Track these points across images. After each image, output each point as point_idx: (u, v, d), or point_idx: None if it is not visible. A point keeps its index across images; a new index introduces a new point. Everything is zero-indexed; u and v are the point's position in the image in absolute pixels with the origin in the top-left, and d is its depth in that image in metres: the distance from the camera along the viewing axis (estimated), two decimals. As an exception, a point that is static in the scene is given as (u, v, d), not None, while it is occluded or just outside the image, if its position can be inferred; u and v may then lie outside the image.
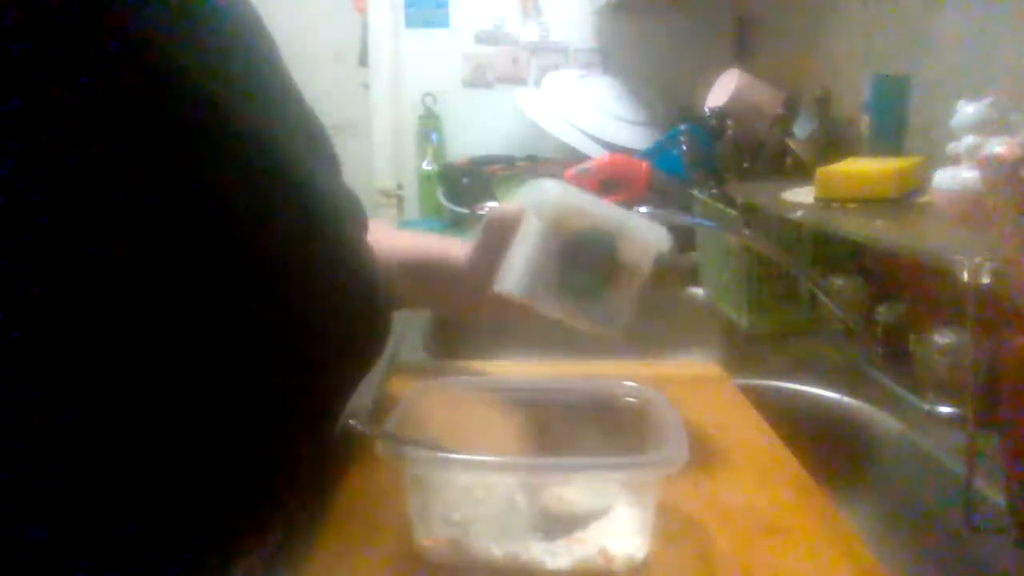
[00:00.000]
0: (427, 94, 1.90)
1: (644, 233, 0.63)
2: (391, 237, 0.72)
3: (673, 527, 0.53)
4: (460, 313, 0.76)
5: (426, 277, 0.72)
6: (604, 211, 0.62)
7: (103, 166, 0.34)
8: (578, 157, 1.51)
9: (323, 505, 0.57)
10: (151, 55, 0.35)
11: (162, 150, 0.36)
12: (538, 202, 0.61)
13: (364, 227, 0.57)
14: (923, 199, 0.76)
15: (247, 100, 0.41)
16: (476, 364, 1.00)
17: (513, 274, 0.61)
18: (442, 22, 1.92)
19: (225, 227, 0.39)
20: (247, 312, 0.40)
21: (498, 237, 0.64)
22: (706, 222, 1.07)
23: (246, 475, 0.43)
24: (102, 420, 0.36)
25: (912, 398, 0.76)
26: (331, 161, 0.52)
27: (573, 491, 0.52)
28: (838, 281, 0.93)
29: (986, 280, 0.50)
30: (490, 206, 0.66)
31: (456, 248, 0.72)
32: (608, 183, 1.23)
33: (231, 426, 0.41)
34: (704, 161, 1.20)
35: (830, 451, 0.77)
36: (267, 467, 0.45)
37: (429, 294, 0.75)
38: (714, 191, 1.11)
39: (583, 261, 0.61)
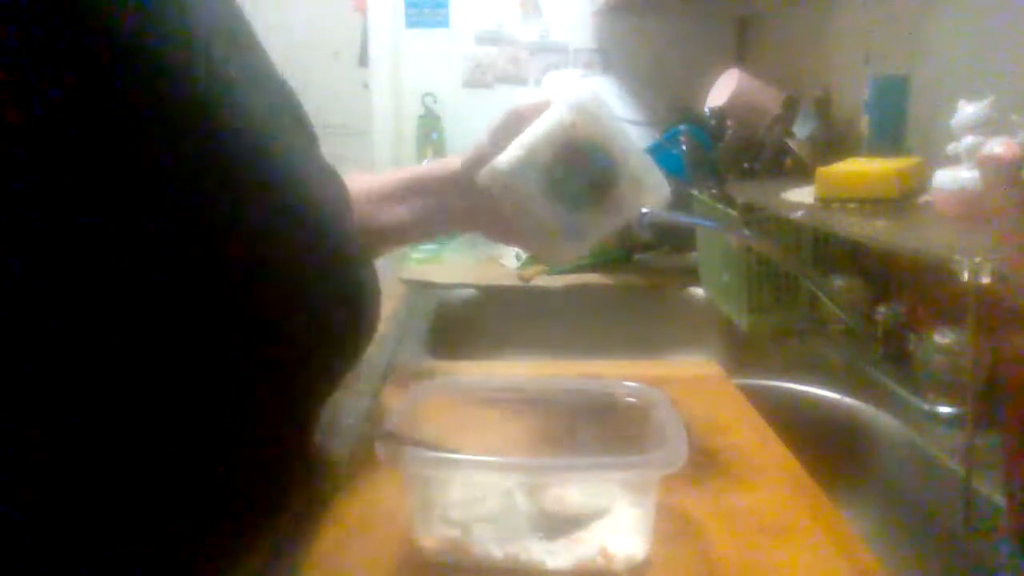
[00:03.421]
0: (427, 94, 1.90)
1: (648, 175, 0.62)
2: (382, 177, 0.71)
3: (673, 527, 0.53)
4: (449, 225, 0.72)
5: (415, 191, 0.69)
6: (622, 136, 0.61)
7: (53, 147, 0.32)
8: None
9: (319, 507, 0.56)
10: (95, 19, 0.32)
11: (114, 125, 0.33)
12: (567, 96, 0.61)
13: (347, 208, 0.54)
14: (923, 199, 0.76)
15: (205, 70, 0.38)
16: (476, 364, 1.00)
17: (509, 153, 0.61)
18: (442, 22, 1.92)
19: (189, 210, 0.36)
20: (219, 302, 0.38)
21: (515, 126, 0.63)
22: (706, 222, 1.07)
23: (223, 480, 0.41)
24: (61, 425, 0.34)
25: (912, 398, 0.76)
26: (309, 140, 0.50)
27: (573, 491, 0.52)
28: (838, 281, 0.93)
29: (986, 280, 0.49)
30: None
31: (448, 162, 0.70)
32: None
33: (204, 428, 0.39)
34: (704, 161, 1.20)
35: (830, 451, 0.77)
36: (244, 470, 0.43)
37: (417, 212, 0.70)
38: (714, 191, 1.11)
39: (579, 169, 0.61)
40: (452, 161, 0.69)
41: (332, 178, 0.52)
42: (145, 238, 0.35)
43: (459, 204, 0.68)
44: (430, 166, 0.70)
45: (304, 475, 0.52)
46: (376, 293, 0.52)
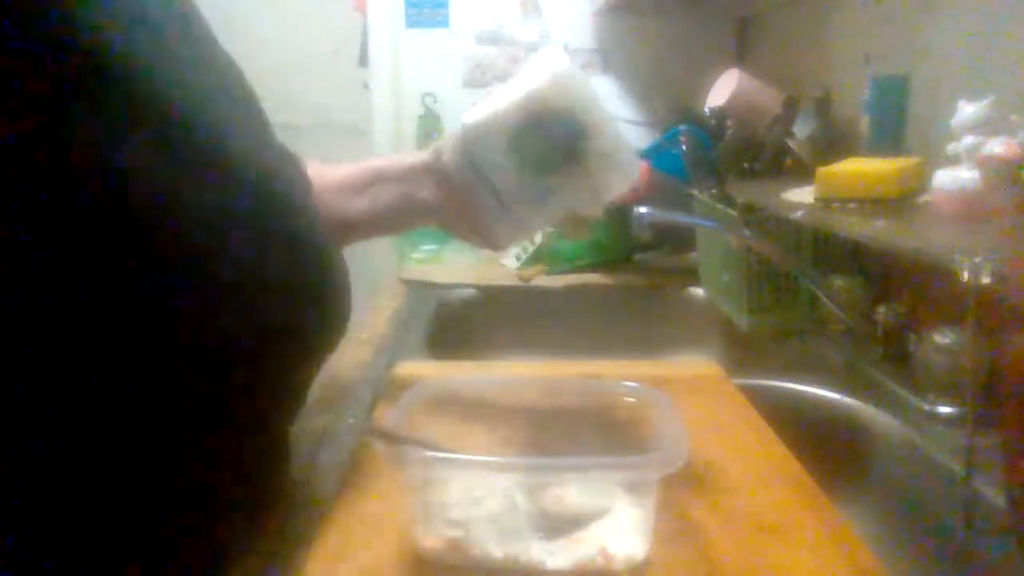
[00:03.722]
0: (427, 94, 1.90)
1: (619, 151, 0.61)
2: (345, 168, 0.69)
3: (673, 527, 0.53)
4: (411, 217, 0.69)
5: (376, 181, 0.67)
6: (596, 108, 0.61)
7: None
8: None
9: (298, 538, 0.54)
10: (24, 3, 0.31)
11: (40, 110, 0.31)
12: (543, 64, 0.61)
13: (304, 190, 0.51)
14: (923, 199, 0.76)
15: (142, 52, 0.36)
16: (476, 364, 1.00)
17: (477, 109, 0.61)
18: (442, 22, 1.92)
19: (123, 196, 0.34)
20: (159, 296, 0.35)
21: None
22: (706, 222, 1.07)
23: (185, 478, 0.39)
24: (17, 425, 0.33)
25: (912, 398, 0.76)
26: (258, 122, 0.47)
27: (573, 491, 0.52)
28: (838, 281, 0.93)
29: (986, 280, 0.49)
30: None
31: (410, 154, 0.69)
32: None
33: (155, 429, 0.37)
34: (704, 161, 1.20)
35: (830, 451, 0.77)
36: (208, 469, 0.40)
37: (379, 202, 0.67)
38: (714, 191, 1.11)
39: (546, 136, 0.60)
40: (416, 154, 0.68)
41: (289, 161, 0.50)
42: (85, 216, 0.33)
43: (421, 194, 0.66)
44: (391, 157, 0.69)
45: (272, 498, 0.49)
46: (344, 285, 0.49)
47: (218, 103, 0.41)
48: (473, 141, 0.61)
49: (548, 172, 0.61)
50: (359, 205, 0.65)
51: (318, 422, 0.75)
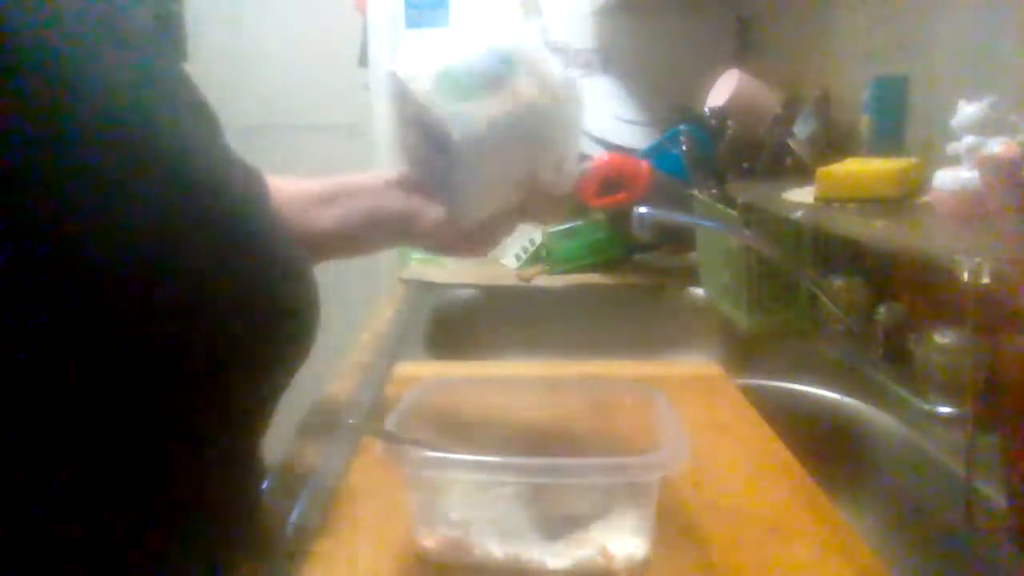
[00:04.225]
0: (427, 94, 1.90)
1: (549, 74, 0.61)
2: (310, 181, 0.66)
3: (673, 527, 0.53)
4: (379, 233, 0.66)
5: (343, 195, 0.65)
6: (528, 44, 0.61)
7: None
8: (578, 157, 1.51)
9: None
10: None
11: None
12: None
13: (260, 198, 0.49)
14: (923, 199, 0.76)
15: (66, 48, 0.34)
16: (476, 364, 1.00)
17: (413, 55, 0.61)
18: (442, 22, 1.92)
19: (50, 206, 0.31)
20: (100, 310, 0.33)
21: None
22: (706, 222, 1.07)
23: (141, 497, 0.37)
24: None
25: (912, 398, 0.76)
26: (207, 125, 0.45)
27: (573, 491, 0.52)
28: (838, 281, 0.93)
29: (986, 280, 0.49)
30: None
31: (378, 173, 0.67)
32: (608, 183, 1.22)
33: (113, 450, 0.35)
34: (704, 161, 1.20)
35: (830, 451, 0.77)
36: (165, 488, 0.38)
37: (345, 217, 0.65)
38: (714, 191, 1.11)
39: (478, 65, 0.60)
40: (382, 173, 0.67)
41: (241, 168, 0.47)
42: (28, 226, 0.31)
43: (388, 208, 0.64)
44: (358, 175, 0.67)
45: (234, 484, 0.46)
46: (309, 298, 0.45)
47: (152, 104, 0.39)
48: (405, 81, 0.60)
49: (476, 97, 0.60)
50: (324, 219, 0.63)
51: (318, 423, 0.75)
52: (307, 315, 0.45)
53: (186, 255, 0.36)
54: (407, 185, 0.65)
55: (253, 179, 0.51)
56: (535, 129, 0.61)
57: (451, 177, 0.61)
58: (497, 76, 0.60)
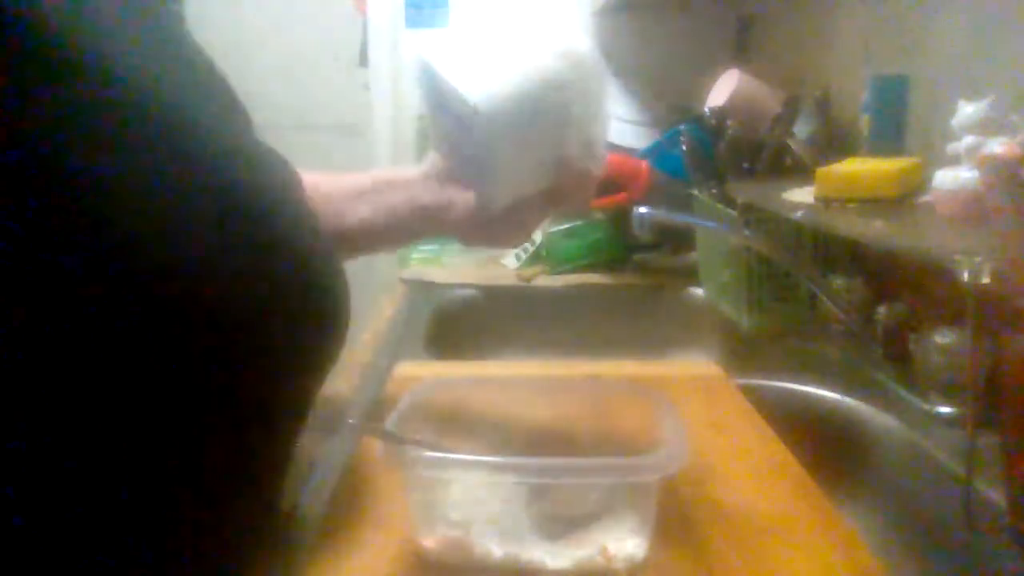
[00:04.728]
0: (427, 94, 1.91)
1: (572, 46, 0.60)
2: (346, 176, 0.66)
3: (673, 527, 0.53)
4: (417, 224, 0.65)
5: (379, 189, 0.65)
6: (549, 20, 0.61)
7: None
8: (605, 139, 1.51)
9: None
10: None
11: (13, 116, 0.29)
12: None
13: (294, 189, 0.48)
14: (923, 199, 0.76)
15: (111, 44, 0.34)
16: (476, 364, 1.00)
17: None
18: (442, 22, 1.92)
19: (80, 199, 0.31)
20: (133, 312, 0.33)
21: None
22: (706, 222, 1.07)
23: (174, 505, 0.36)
24: None
25: (912, 398, 0.76)
26: (241, 117, 0.44)
27: (573, 491, 0.52)
28: (838, 281, 0.93)
29: (986, 280, 0.49)
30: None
31: (416, 167, 0.66)
32: (608, 183, 1.23)
33: (144, 459, 0.34)
34: (704, 161, 1.20)
35: (830, 451, 0.77)
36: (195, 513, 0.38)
37: (382, 211, 0.64)
38: (714, 191, 1.11)
39: (499, 41, 0.60)
40: (421, 167, 0.66)
41: (274, 157, 0.46)
42: (51, 231, 0.30)
43: (422, 201, 0.64)
44: (396, 168, 0.67)
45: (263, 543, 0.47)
46: (342, 294, 0.45)
47: (178, 84, 0.38)
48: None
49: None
50: (360, 212, 0.63)
51: (318, 423, 0.75)
52: (339, 311, 0.44)
53: (218, 252, 0.35)
54: (443, 177, 0.64)
55: (287, 173, 0.51)
56: (558, 104, 0.59)
57: (476, 154, 0.61)
58: (518, 51, 0.59)
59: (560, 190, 0.64)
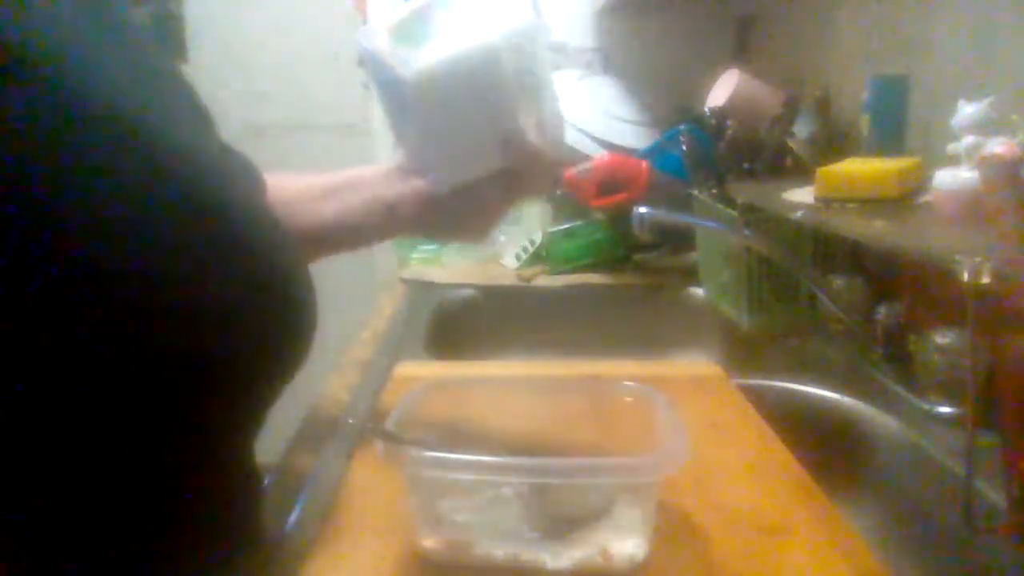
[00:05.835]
0: (427, 94, 1.90)
1: (510, 13, 0.57)
2: (313, 177, 0.65)
3: (673, 527, 0.53)
4: (384, 220, 0.63)
5: (345, 187, 0.64)
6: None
7: None
8: (578, 157, 1.51)
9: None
10: None
11: None
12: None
13: (259, 191, 0.47)
14: (923, 199, 0.76)
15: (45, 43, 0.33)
16: (476, 364, 1.00)
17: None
18: (442, 22, 1.92)
19: (32, 201, 0.31)
20: (89, 315, 0.32)
21: None
22: (706, 222, 1.07)
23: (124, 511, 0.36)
24: None
25: (912, 398, 0.76)
26: (205, 122, 0.44)
27: (573, 491, 0.52)
28: (838, 281, 0.93)
29: (986, 280, 0.49)
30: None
31: (382, 166, 0.66)
32: (608, 183, 1.23)
33: (105, 455, 0.34)
34: (704, 161, 1.20)
35: (830, 451, 0.77)
36: (164, 497, 0.38)
37: (348, 209, 0.63)
38: (714, 191, 1.11)
39: (428, 11, 0.57)
40: (386, 165, 0.65)
41: (236, 159, 0.46)
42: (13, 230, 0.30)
43: (384, 196, 0.62)
44: (362, 167, 0.66)
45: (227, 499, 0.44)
46: (306, 300, 0.44)
47: (140, 90, 0.38)
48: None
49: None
50: (325, 212, 0.62)
51: (318, 423, 0.75)
52: (305, 318, 0.43)
53: (179, 255, 0.35)
54: (404, 170, 0.63)
55: (251, 177, 0.50)
56: (496, 73, 0.56)
57: (416, 131, 0.58)
58: (450, 20, 0.56)
59: (517, 172, 0.61)
